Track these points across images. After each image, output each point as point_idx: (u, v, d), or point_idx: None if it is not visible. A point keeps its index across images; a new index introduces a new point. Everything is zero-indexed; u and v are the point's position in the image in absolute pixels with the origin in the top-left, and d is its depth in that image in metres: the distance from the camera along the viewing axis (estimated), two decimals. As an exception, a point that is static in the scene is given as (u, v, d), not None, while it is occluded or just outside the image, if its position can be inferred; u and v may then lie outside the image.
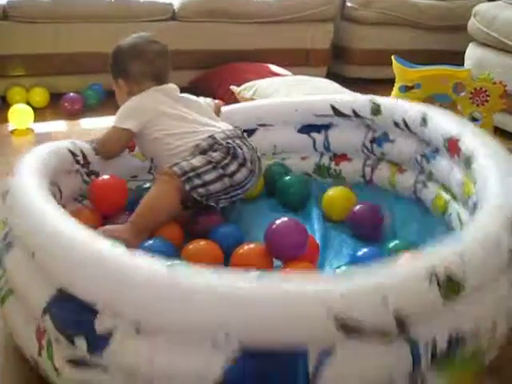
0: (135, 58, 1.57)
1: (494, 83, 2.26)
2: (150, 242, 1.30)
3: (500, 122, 2.56)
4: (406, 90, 2.45)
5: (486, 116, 2.29)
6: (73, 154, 1.47)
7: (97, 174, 1.59)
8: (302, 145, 1.83)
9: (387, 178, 1.73)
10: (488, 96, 2.26)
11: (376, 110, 1.70)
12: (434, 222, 1.53)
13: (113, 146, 1.55)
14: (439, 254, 0.90)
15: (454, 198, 1.45)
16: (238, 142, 1.48)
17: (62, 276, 0.93)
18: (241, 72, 2.76)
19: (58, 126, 2.47)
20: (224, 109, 1.83)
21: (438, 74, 2.36)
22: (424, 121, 1.55)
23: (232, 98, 2.60)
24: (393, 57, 2.47)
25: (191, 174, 1.39)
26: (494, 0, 2.85)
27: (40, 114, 2.53)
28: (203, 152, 1.44)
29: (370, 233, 1.48)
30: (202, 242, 1.31)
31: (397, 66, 2.45)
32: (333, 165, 1.82)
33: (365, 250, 1.31)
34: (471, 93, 2.28)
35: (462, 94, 2.31)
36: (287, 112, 1.82)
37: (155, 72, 1.58)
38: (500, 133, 2.58)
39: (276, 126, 1.83)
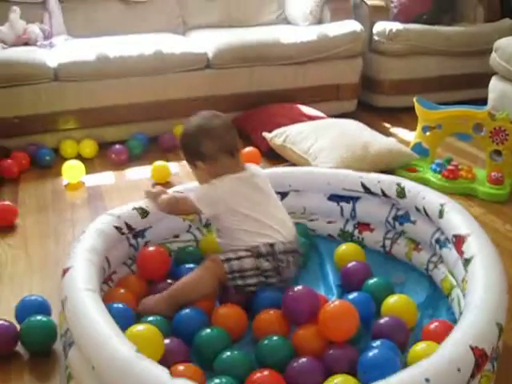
0: (205, 137, 1.62)
1: (512, 122, 2.36)
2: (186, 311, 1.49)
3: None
4: (428, 130, 2.58)
5: (506, 154, 2.40)
6: (118, 228, 1.66)
7: (142, 236, 1.79)
8: (330, 211, 1.97)
9: (404, 253, 1.84)
10: (507, 135, 2.36)
11: (401, 193, 1.82)
12: (438, 298, 1.67)
13: (184, 212, 1.73)
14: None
15: (458, 285, 1.57)
16: (290, 258, 1.61)
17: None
18: (273, 116, 2.93)
19: (107, 177, 2.68)
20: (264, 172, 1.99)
21: (458, 115, 2.48)
22: (441, 213, 1.67)
23: (265, 143, 2.78)
24: (414, 99, 2.60)
25: (237, 275, 1.56)
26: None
27: (90, 164, 2.76)
28: (257, 256, 1.57)
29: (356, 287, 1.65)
30: (229, 308, 1.51)
31: (418, 107, 2.58)
32: (356, 232, 1.94)
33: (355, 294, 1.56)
34: (491, 132, 2.39)
35: (482, 133, 2.42)
36: (320, 183, 1.98)
37: (227, 145, 1.63)
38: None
39: (308, 191, 1.99)
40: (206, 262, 1.60)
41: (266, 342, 1.40)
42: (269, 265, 1.58)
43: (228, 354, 1.36)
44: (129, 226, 1.71)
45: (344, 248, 1.83)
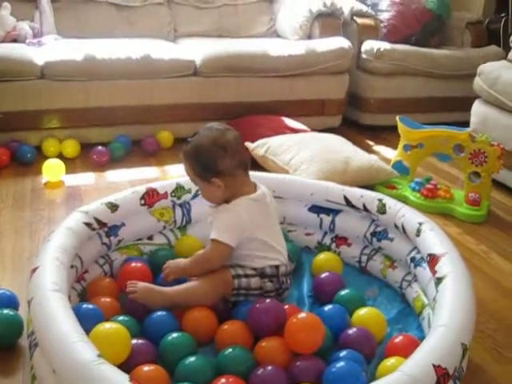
0: (223, 152, 1.53)
1: (492, 145, 2.40)
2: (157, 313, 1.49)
3: (503, 179, 2.67)
4: (409, 148, 2.60)
5: (485, 176, 2.43)
6: (87, 224, 1.65)
7: (115, 234, 1.78)
8: (309, 222, 1.98)
9: (380, 270, 1.85)
10: (486, 157, 2.39)
11: (381, 208, 1.83)
12: (409, 315, 1.68)
13: (216, 264, 1.56)
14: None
15: (429, 305, 1.57)
16: (289, 281, 1.63)
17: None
18: (256, 126, 2.93)
19: (87, 178, 2.66)
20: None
21: (439, 135, 2.51)
22: (418, 231, 1.68)
23: (247, 153, 2.78)
24: (397, 117, 2.62)
25: (242, 292, 1.55)
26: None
27: (71, 164, 2.74)
28: (262, 276, 1.57)
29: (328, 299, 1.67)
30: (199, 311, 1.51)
31: (401, 126, 2.61)
32: (333, 246, 1.96)
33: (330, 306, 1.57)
34: (470, 154, 2.42)
35: (462, 154, 2.45)
36: (302, 192, 1.98)
37: (242, 160, 1.58)
38: (501, 188, 2.70)
39: (289, 200, 1.99)
40: (216, 279, 1.54)
41: (226, 352, 1.39)
42: (271, 286, 1.58)
43: (190, 359, 1.35)
44: (99, 221, 1.70)
45: (322, 257, 1.85)
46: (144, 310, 1.51)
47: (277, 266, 1.59)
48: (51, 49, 2.96)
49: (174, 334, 1.43)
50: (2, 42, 3.00)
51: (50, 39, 3.10)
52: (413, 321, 1.65)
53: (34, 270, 1.40)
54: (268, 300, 1.50)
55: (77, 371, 1.10)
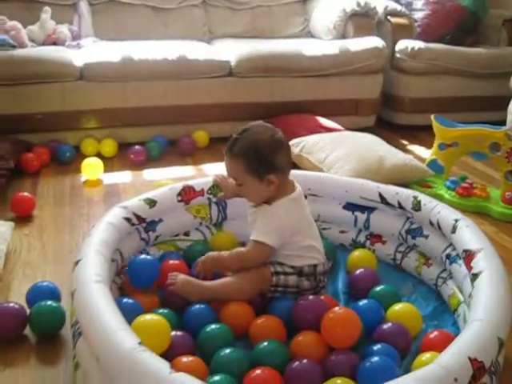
0: (280, 149, 1.54)
1: (530, 144, 2.37)
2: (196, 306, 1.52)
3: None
4: (444, 147, 2.59)
5: (522, 175, 2.40)
6: (127, 219, 1.70)
7: (153, 230, 1.82)
8: (344, 220, 1.99)
9: (414, 267, 1.85)
10: (524, 156, 2.36)
11: (416, 205, 1.83)
12: (444, 312, 1.68)
13: (254, 264, 1.57)
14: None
15: (465, 301, 1.58)
16: (326, 279, 1.65)
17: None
18: (291, 126, 2.95)
19: (125, 176, 2.72)
20: None
21: (475, 134, 2.49)
22: (454, 228, 1.68)
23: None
24: (432, 116, 2.61)
25: (280, 289, 1.57)
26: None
27: (109, 163, 2.81)
28: (301, 275, 1.59)
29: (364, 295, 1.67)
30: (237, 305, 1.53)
31: (436, 125, 2.59)
32: (368, 243, 1.96)
33: (364, 301, 1.57)
34: (507, 152, 2.40)
35: (499, 153, 2.43)
36: (337, 190, 2.00)
37: (291, 160, 1.63)
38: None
39: (324, 197, 2.01)
40: (256, 276, 1.56)
41: (261, 346, 1.40)
42: (308, 284, 1.60)
43: (226, 351, 1.37)
44: (138, 216, 1.74)
45: (357, 254, 1.86)
46: (182, 302, 1.54)
47: (315, 265, 1.61)
48: (90, 51, 3.03)
49: (212, 326, 1.45)
50: (43, 44, 3.08)
51: (88, 41, 3.18)
52: (448, 318, 1.65)
53: (77, 263, 1.44)
54: (311, 297, 1.52)
55: (119, 358, 1.13)
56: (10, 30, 2.93)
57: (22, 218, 2.24)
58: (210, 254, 1.64)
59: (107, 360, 1.16)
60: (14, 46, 2.87)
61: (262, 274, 1.56)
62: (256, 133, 1.55)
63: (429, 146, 2.82)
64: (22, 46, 2.94)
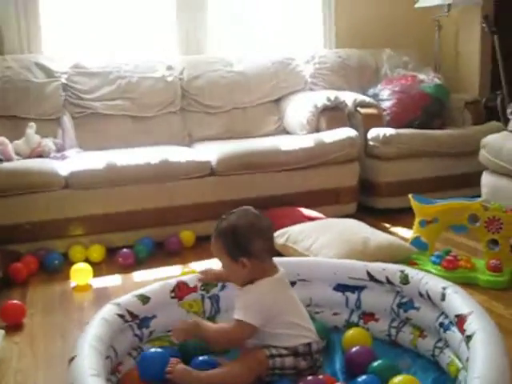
0: (258, 236, 1.61)
1: (505, 211, 2.45)
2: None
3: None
4: (425, 224, 2.66)
5: (503, 242, 2.46)
6: (120, 316, 1.71)
7: (147, 326, 1.82)
8: (336, 301, 2.02)
9: (410, 340, 1.86)
10: (502, 224, 2.44)
11: (404, 279, 1.88)
12: (445, 381, 1.67)
13: (237, 343, 1.64)
14: None
15: (464, 367, 1.57)
16: (321, 358, 1.66)
17: None
18: (275, 218, 2.97)
19: (114, 280, 2.73)
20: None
21: (452, 208, 2.58)
22: (443, 296, 1.72)
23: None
24: (410, 196, 2.70)
25: (277, 372, 1.58)
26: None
27: (98, 268, 2.81)
28: (297, 355, 1.60)
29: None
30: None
31: (414, 203, 2.68)
32: (361, 322, 1.97)
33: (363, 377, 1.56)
34: (485, 222, 2.47)
35: (477, 223, 2.50)
36: (326, 273, 2.04)
37: (271, 248, 1.68)
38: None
39: (314, 281, 2.04)
40: (251, 360, 1.57)
41: None
42: (305, 364, 1.60)
43: None
44: (131, 313, 1.75)
45: (351, 332, 1.87)
46: None
47: (309, 344, 1.61)
48: (74, 161, 3.13)
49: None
50: (28, 157, 3.17)
51: (72, 153, 3.29)
52: (450, 387, 1.63)
53: (72, 359, 1.43)
54: (311, 377, 1.52)
55: None
56: (-3, 146, 3.03)
57: (13, 326, 2.21)
58: (195, 321, 1.66)
59: None
60: (0, 160, 2.96)
61: (258, 358, 1.56)
62: (238, 217, 1.64)
63: (409, 226, 2.89)
64: (9, 159, 3.03)
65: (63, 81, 3.61)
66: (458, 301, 1.67)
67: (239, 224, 1.62)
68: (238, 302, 1.62)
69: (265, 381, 1.59)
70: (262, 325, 1.58)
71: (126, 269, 2.84)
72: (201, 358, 1.69)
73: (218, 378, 1.55)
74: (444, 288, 1.74)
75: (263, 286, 1.61)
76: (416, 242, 2.70)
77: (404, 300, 1.89)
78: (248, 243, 1.60)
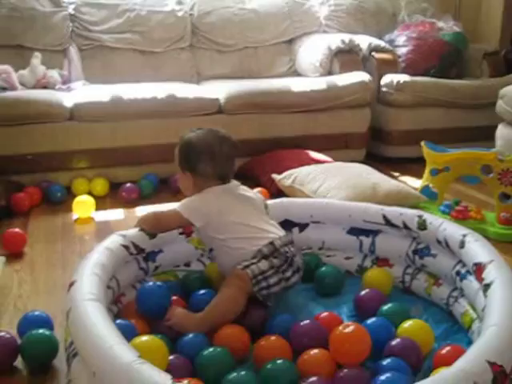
0: (208, 159, 1.65)
1: (520, 164, 2.38)
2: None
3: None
4: (436, 172, 2.59)
5: (515, 195, 2.40)
6: (125, 247, 1.67)
7: (153, 260, 1.79)
8: (349, 245, 1.96)
9: (424, 288, 1.80)
10: (515, 176, 2.37)
11: (422, 225, 1.80)
12: (457, 331, 1.63)
13: (169, 227, 1.72)
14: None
15: (478, 317, 1.53)
16: (292, 249, 1.63)
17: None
18: (282, 160, 2.96)
19: (117, 214, 2.70)
20: (283, 201, 2.02)
21: (465, 157, 2.50)
22: (462, 243, 1.65)
23: (274, 185, 2.80)
24: (422, 142, 2.63)
25: (260, 278, 1.55)
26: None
27: (101, 202, 2.78)
28: (265, 257, 1.58)
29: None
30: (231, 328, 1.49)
31: (426, 151, 2.61)
32: (375, 267, 1.90)
33: (373, 319, 1.52)
34: (499, 174, 2.40)
35: (491, 175, 2.43)
36: (340, 215, 1.96)
37: (223, 173, 1.68)
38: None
39: (327, 224, 1.98)
40: (231, 279, 1.55)
41: (269, 366, 1.34)
42: (278, 261, 1.58)
43: (234, 374, 1.30)
44: (136, 246, 1.71)
45: (373, 272, 1.83)
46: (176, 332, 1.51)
47: (271, 242, 1.60)
48: (79, 93, 3.05)
49: (211, 349, 1.40)
50: (33, 88, 3.09)
51: (78, 85, 3.21)
52: (462, 337, 1.58)
53: (72, 284, 1.41)
54: (307, 321, 1.49)
55: (118, 372, 1.09)
56: (1, 73, 2.95)
57: (13, 254, 2.20)
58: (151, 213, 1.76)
59: (106, 374, 1.12)
60: (4, 89, 2.89)
61: (236, 273, 1.55)
62: (199, 134, 1.70)
63: (419, 176, 2.83)
64: (13, 88, 2.96)
65: (70, 11, 3.49)
66: (479, 249, 1.60)
67: (196, 141, 1.68)
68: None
69: (262, 302, 1.57)
70: (201, 226, 1.62)
71: (130, 203, 2.81)
72: (201, 291, 1.67)
73: (213, 310, 1.52)
74: (464, 235, 1.66)
75: (206, 191, 1.65)
76: (425, 190, 2.65)
77: (420, 246, 1.82)
78: (196, 161, 1.66)
